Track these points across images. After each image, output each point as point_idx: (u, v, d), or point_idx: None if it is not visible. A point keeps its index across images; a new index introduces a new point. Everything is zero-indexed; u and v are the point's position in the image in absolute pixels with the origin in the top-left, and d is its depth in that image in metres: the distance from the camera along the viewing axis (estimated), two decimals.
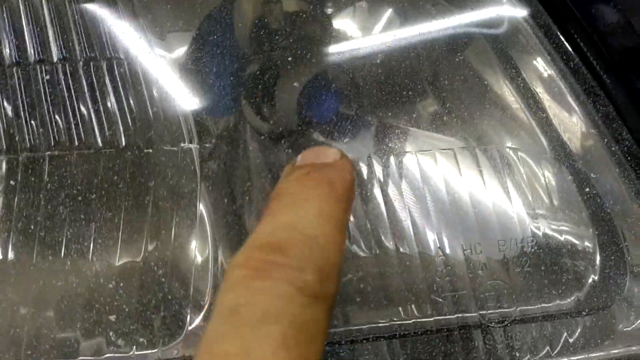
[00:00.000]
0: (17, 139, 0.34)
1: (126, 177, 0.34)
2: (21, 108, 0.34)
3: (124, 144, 0.35)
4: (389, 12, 0.39)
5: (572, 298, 0.38)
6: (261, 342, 0.23)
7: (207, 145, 0.36)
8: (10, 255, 0.34)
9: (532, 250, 0.38)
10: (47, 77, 0.35)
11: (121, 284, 0.34)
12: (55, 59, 0.35)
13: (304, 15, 0.38)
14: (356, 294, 0.36)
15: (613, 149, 0.39)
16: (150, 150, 0.35)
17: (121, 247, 0.34)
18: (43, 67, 0.35)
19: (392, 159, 0.37)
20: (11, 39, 0.35)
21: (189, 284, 0.35)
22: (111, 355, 0.34)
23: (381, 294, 0.36)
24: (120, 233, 0.34)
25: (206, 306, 0.35)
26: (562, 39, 0.40)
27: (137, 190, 0.35)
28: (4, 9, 0.35)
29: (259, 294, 0.24)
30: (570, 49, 0.40)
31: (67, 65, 0.35)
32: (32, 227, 0.33)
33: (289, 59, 0.37)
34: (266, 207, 0.29)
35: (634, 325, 0.39)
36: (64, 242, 0.34)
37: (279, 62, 0.37)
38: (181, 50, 0.37)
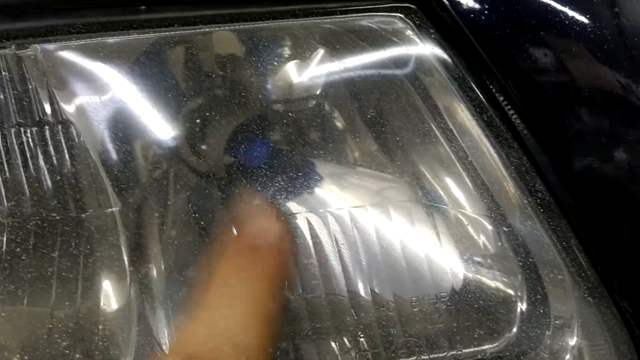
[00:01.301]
0: None
1: (29, 249, 0.33)
2: None
3: (29, 213, 0.34)
4: (319, 55, 0.39)
5: (499, 343, 0.39)
6: None
7: (129, 203, 0.36)
8: None
9: (462, 298, 0.38)
10: None
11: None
12: None
13: (236, 59, 0.38)
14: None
15: (527, 200, 0.39)
16: (58, 217, 0.34)
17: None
18: None
19: (327, 212, 0.38)
20: None
21: (115, 334, 0.35)
22: None
23: (313, 335, 0.36)
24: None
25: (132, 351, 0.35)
26: (477, 90, 0.40)
27: (40, 260, 0.34)
28: None
29: None
30: (484, 99, 0.39)
31: None
32: None
33: (220, 102, 0.37)
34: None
35: None
36: None
37: (210, 104, 0.37)
38: (107, 104, 0.36)
